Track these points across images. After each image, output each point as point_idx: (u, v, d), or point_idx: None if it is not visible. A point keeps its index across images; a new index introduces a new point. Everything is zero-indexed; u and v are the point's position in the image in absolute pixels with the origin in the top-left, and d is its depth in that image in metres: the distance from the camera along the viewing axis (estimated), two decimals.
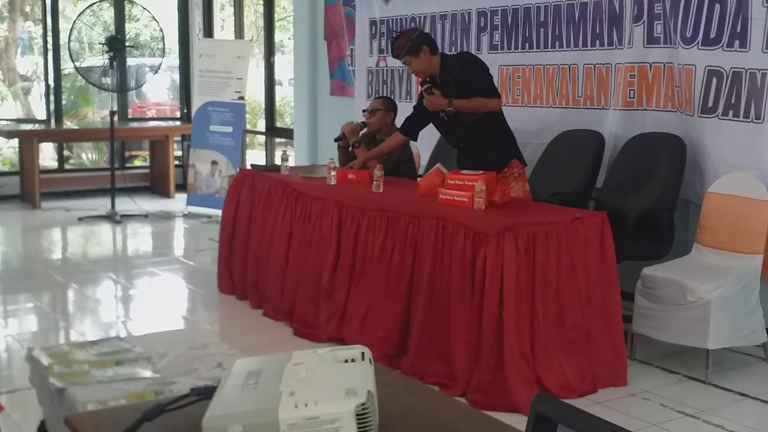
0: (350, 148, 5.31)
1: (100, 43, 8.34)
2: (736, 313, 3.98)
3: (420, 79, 4.72)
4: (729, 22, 4.43)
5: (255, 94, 10.30)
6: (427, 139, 6.05)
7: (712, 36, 4.53)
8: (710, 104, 4.56)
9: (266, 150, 9.53)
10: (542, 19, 5.52)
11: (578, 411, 1.09)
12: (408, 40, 4.53)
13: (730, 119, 4.46)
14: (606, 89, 5.17)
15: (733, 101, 4.44)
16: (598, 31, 5.19)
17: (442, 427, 1.51)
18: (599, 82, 5.21)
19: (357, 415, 1.27)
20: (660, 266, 4.23)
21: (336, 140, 5.42)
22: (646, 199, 4.57)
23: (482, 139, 4.56)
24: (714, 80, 4.53)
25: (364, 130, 5.39)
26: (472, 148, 4.62)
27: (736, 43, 4.41)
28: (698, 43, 4.60)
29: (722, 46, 4.48)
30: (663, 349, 4.23)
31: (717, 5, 4.49)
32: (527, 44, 5.61)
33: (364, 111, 5.48)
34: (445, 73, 4.55)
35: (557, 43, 5.44)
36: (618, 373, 3.87)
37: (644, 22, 4.90)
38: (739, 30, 4.39)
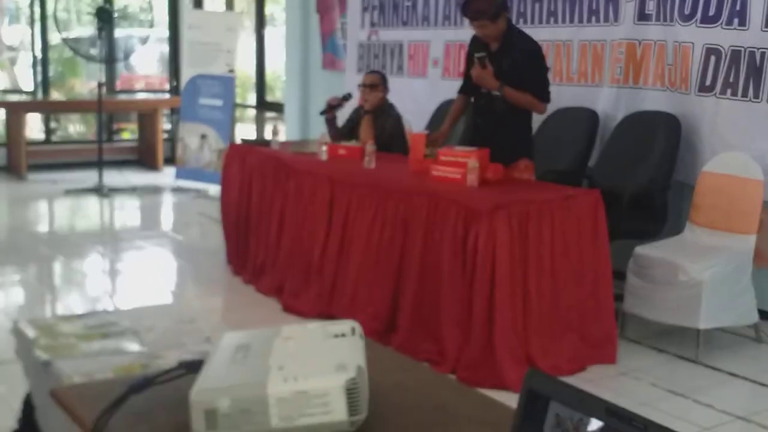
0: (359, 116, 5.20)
1: (88, 14, 8.22)
2: (728, 293, 3.97)
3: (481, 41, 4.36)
4: None
5: (245, 67, 10.20)
6: (419, 116, 6.02)
7: (711, 13, 4.49)
8: (708, 83, 4.53)
9: (256, 124, 9.46)
10: None
11: (571, 387, 1.06)
12: (491, 4, 4.14)
13: (729, 98, 4.43)
14: (600, 66, 5.13)
15: (731, 80, 4.41)
16: (594, 7, 5.14)
17: (432, 403, 1.49)
18: (594, 58, 5.17)
19: (347, 389, 1.25)
20: (652, 245, 4.21)
21: (321, 113, 5.35)
22: (640, 178, 4.55)
23: (502, 129, 4.33)
24: (712, 58, 4.49)
25: (343, 106, 5.29)
26: (487, 133, 4.37)
27: (735, 21, 4.37)
28: (697, 20, 4.56)
29: (721, 23, 4.44)
30: (654, 328, 4.23)
31: None
32: (522, 19, 5.55)
33: (363, 86, 5.30)
34: (506, 46, 4.26)
35: (552, 19, 5.39)
36: (608, 352, 3.86)
37: None
38: (738, 8, 4.35)
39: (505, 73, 4.23)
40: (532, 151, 4.47)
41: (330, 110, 5.28)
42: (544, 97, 4.33)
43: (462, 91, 4.60)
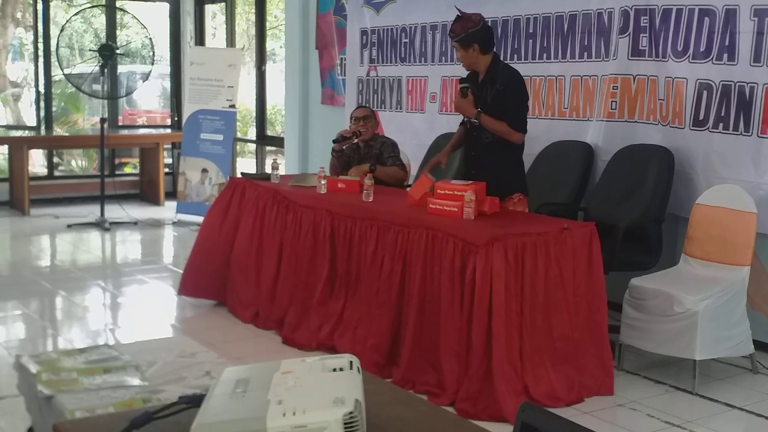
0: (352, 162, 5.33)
1: (90, 50, 8.32)
2: (723, 324, 4.00)
3: (458, 80, 4.56)
4: (718, 35, 4.48)
5: (246, 102, 10.30)
6: (418, 149, 6.09)
7: (701, 49, 4.57)
8: (701, 117, 4.60)
9: (257, 158, 9.53)
10: (531, 31, 5.56)
11: (563, 420, 1.10)
12: (464, 30, 4.31)
13: (721, 132, 4.50)
14: (592, 101, 5.20)
15: (722, 114, 4.48)
16: (586, 43, 5.22)
17: None
18: (585, 93, 5.24)
19: (345, 423, 1.28)
20: (648, 277, 4.25)
21: (335, 141, 5.44)
22: (634, 210, 4.60)
23: (493, 162, 4.41)
24: (704, 93, 4.57)
25: (356, 140, 5.39)
26: (480, 165, 4.46)
27: (725, 56, 4.45)
28: (689, 56, 4.64)
29: (712, 59, 4.52)
30: (650, 359, 4.25)
31: (706, 18, 4.53)
32: (516, 55, 5.63)
33: (356, 119, 5.42)
34: (490, 78, 4.38)
35: (545, 55, 5.47)
36: (605, 383, 3.88)
37: (629, 34, 4.94)
38: (727, 43, 4.43)
39: (489, 103, 4.33)
40: (525, 186, 4.53)
41: (344, 141, 5.40)
42: (519, 126, 4.37)
43: (463, 123, 4.70)
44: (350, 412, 1.29)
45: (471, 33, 4.32)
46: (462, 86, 4.41)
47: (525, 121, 4.43)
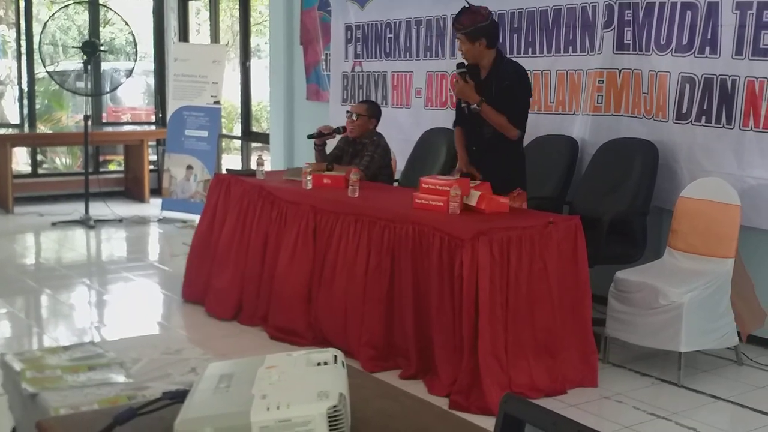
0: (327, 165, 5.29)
1: (74, 47, 8.26)
2: (708, 317, 4.02)
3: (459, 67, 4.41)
4: (700, 28, 4.50)
5: (231, 98, 10.27)
6: (404, 145, 6.09)
7: (684, 43, 4.59)
8: (684, 110, 4.62)
9: (242, 155, 9.50)
10: (516, 25, 5.56)
11: (545, 411, 1.10)
12: (473, 24, 4.22)
13: (703, 125, 4.53)
14: (577, 95, 5.21)
15: (705, 107, 4.51)
16: (571, 38, 5.23)
17: (414, 430, 1.52)
18: (571, 87, 5.25)
19: (329, 417, 1.28)
20: (633, 270, 4.26)
21: (310, 137, 5.41)
22: (619, 204, 4.62)
23: (494, 156, 4.36)
24: (687, 86, 4.59)
25: (342, 135, 5.38)
26: (481, 161, 4.41)
27: (707, 49, 4.47)
28: (672, 50, 4.66)
29: (694, 52, 4.55)
30: (636, 352, 4.27)
31: (688, 12, 4.55)
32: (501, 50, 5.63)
33: (348, 113, 5.41)
34: (494, 74, 4.31)
35: (530, 49, 5.48)
36: (588, 376, 3.90)
37: (614, 28, 4.95)
38: (709, 36, 4.46)
39: (494, 99, 4.27)
40: (524, 179, 4.47)
41: (320, 137, 5.37)
42: (517, 123, 4.30)
43: (457, 123, 4.60)
44: (334, 406, 1.29)
45: (480, 27, 4.24)
46: (460, 71, 4.32)
47: (524, 119, 4.37)
